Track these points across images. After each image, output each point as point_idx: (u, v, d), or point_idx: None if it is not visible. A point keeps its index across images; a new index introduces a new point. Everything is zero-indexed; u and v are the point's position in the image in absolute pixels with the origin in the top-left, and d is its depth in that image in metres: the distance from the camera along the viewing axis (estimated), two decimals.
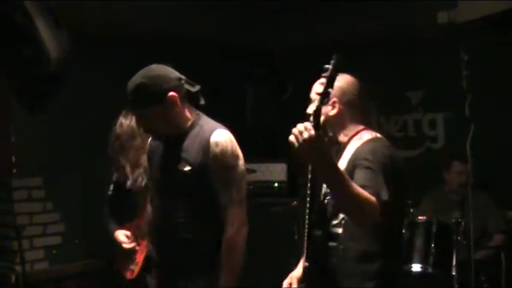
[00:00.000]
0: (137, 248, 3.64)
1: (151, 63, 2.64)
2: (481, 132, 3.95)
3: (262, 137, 5.70)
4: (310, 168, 2.27)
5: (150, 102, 2.55)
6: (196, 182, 2.57)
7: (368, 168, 2.18)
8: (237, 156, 2.59)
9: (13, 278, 3.98)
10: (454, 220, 3.87)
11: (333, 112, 2.38)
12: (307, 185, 2.34)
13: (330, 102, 2.32)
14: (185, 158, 2.58)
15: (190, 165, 2.55)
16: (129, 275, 3.66)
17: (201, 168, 2.55)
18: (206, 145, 2.54)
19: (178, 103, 2.57)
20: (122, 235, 3.67)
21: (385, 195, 2.10)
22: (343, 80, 2.39)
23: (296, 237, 4.70)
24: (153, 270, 3.02)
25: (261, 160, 5.29)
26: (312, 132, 1.88)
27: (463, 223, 3.87)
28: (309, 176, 2.29)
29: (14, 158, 4.25)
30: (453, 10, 4.51)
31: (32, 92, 1.11)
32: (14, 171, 4.25)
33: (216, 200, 2.58)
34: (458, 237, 3.84)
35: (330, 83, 1.97)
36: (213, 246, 2.59)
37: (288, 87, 5.79)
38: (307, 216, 2.30)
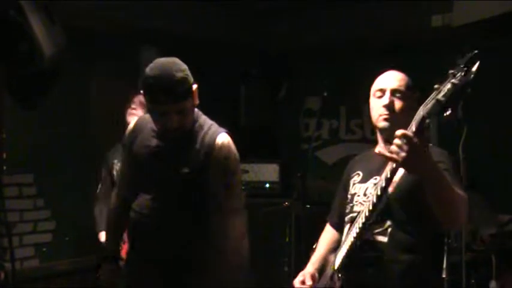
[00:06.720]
0: (122, 244, 3.64)
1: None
2: (474, 135, 3.95)
3: (255, 137, 5.69)
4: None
5: (188, 94, 2.40)
6: (193, 185, 2.48)
7: (446, 170, 2.03)
8: (238, 162, 2.53)
9: (2, 276, 3.95)
10: None
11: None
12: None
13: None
14: (187, 160, 2.47)
15: (190, 167, 2.45)
16: None
17: (201, 171, 2.46)
18: (210, 148, 2.46)
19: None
20: (104, 235, 3.68)
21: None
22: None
23: (288, 239, 4.68)
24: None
25: (253, 160, 5.28)
26: (414, 141, 1.80)
27: None
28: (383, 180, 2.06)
29: (4, 155, 4.22)
30: (447, 14, 4.53)
31: (25, 88, 1.10)
32: (5, 168, 4.22)
33: (207, 204, 2.49)
34: (450, 240, 3.84)
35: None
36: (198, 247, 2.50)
37: (282, 87, 5.78)
38: (361, 222, 2.09)
